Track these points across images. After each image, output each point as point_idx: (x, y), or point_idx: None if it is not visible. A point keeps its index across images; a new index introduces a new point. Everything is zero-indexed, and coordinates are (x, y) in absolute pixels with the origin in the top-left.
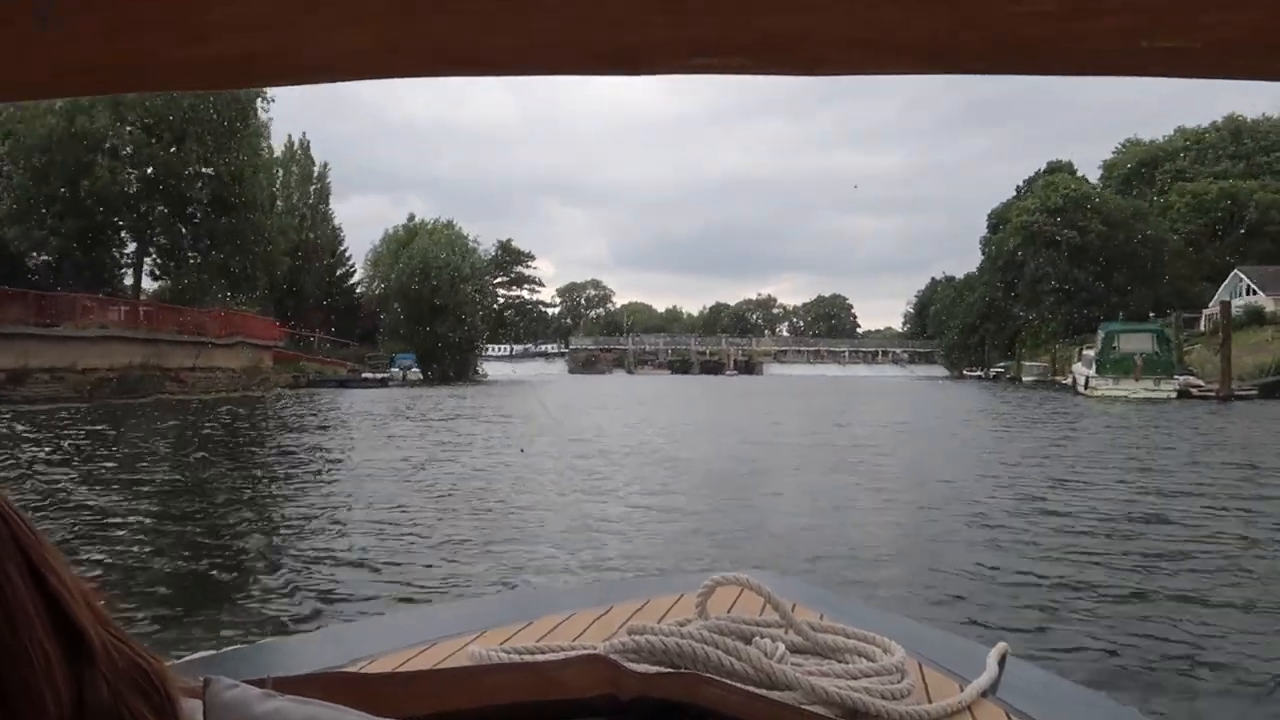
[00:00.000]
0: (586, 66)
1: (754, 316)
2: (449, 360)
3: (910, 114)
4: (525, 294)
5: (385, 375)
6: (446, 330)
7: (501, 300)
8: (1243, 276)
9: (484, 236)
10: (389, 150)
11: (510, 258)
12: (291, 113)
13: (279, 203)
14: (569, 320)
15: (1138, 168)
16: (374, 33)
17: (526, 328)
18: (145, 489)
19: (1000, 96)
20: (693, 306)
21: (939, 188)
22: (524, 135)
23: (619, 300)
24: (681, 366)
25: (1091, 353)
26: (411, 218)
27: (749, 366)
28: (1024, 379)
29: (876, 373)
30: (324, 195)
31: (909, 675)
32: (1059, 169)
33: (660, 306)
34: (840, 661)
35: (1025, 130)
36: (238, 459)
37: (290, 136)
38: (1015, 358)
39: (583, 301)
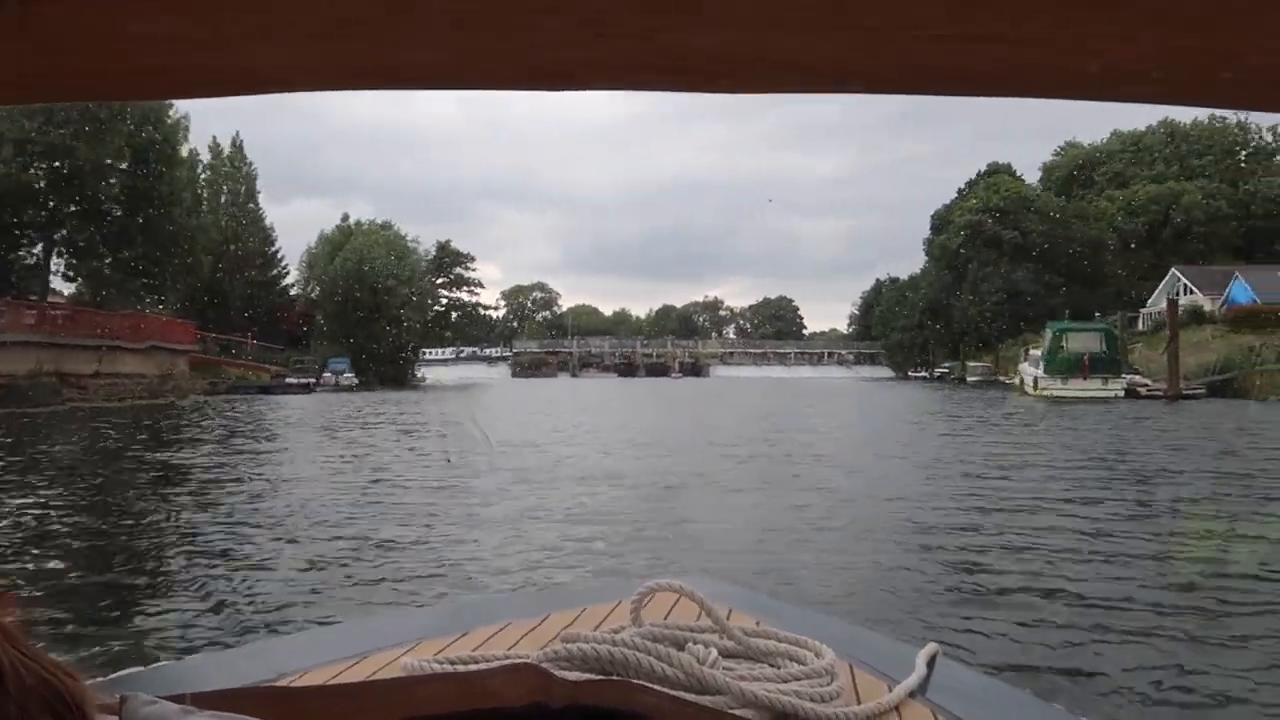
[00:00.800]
0: (515, 82)
1: (701, 319)
2: (385, 364)
3: (854, 116)
4: (465, 296)
5: (310, 380)
6: (382, 333)
7: (444, 303)
8: (1180, 276)
9: (430, 240)
10: (332, 153)
11: (450, 259)
12: (228, 112)
13: (204, 204)
14: (515, 323)
15: (1076, 170)
16: (302, 47)
17: (468, 331)
18: None
19: (942, 98)
20: (641, 309)
21: (884, 189)
22: (470, 139)
23: (566, 303)
24: (627, 369)
25: (1038, 352)
26: (346, 218)
27: (695, 369)
28: (968, 379)
29: (822, 374)
30: (252, 195)
31: (839, 677)
32: (999, 170)
33: (608, 310)
34: (772, 665)
35: (968, 131)
36: (83, 481)
37: (214, 138)
38: (960, 358)
39: (529, 304)
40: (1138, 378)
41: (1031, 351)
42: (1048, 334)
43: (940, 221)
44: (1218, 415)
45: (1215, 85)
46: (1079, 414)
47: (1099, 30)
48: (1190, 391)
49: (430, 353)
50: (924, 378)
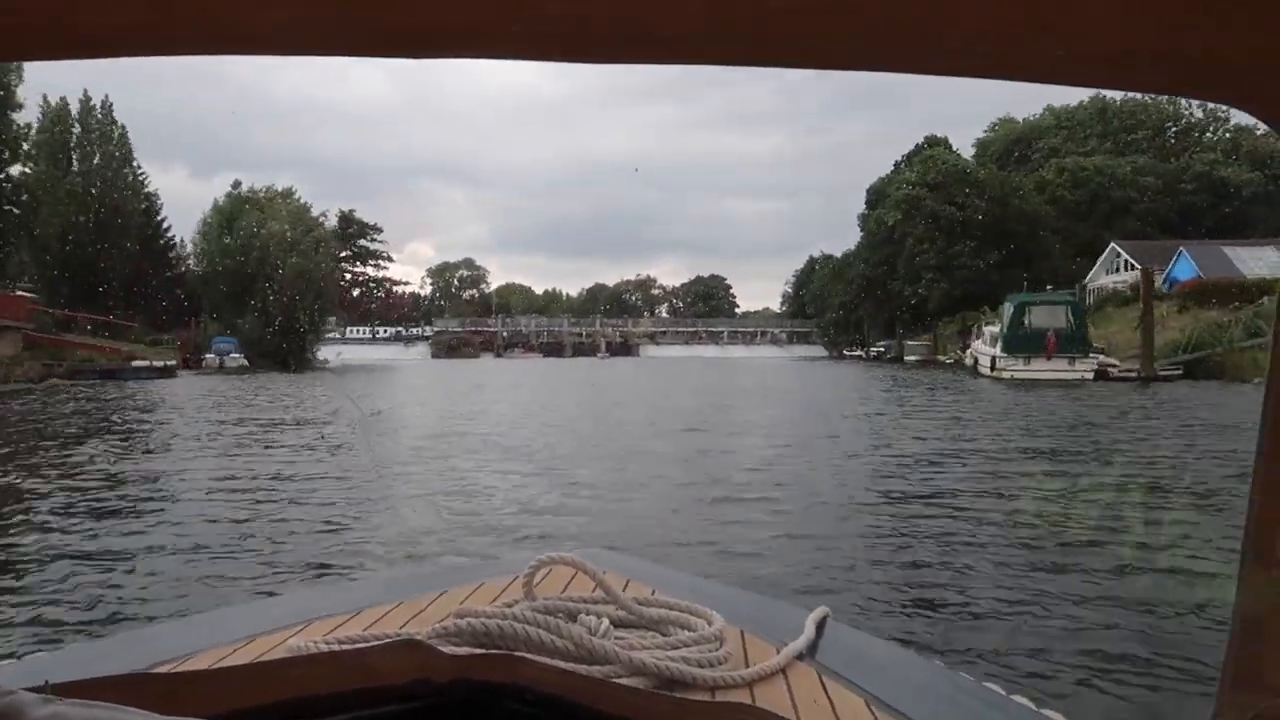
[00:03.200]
0: (364, 47)
1: (633, 297)
2: (278, 344)
3: (789, 99)
4: (371, 270)
5: (169, 362)
6: (276, 309)
7: (348, 277)
8: (1120, 251)
9: (358, 216)
10: (263, 130)
11: (354, 229)
12: (150, 87)
13: (75, 165)
14: (443, 302)
15: (1011, 145)
16: (145, 7)
17: (391, 309)
18: None
19: (877, 82)
20: (574, 289)
21: (817, 172)
22: (405, 117)
23: (500, 282)
24: (553, 349)
25: (994, 329)
26: (236, 184)
27: (625, 348)
28: (906, 359)
29: (755, 353)
30: (127, 160)
31: (728, 643)
32: (937, 143)
33: (542, 289)
34: (663, 634)
35: (901, 116)
36: None
37: (64, 98)
38: (896, 337)
39: (455, 282)
40: (1103, 357)
41: (985, 328)
42: (1007, 308)
43: (876, 196)
44: (1220, 401)
45: (1051, 62)
46: (1058, 401)
47: (938, 5)
48: (1165, 372)
49: (353, 331)
50: (859, 357)
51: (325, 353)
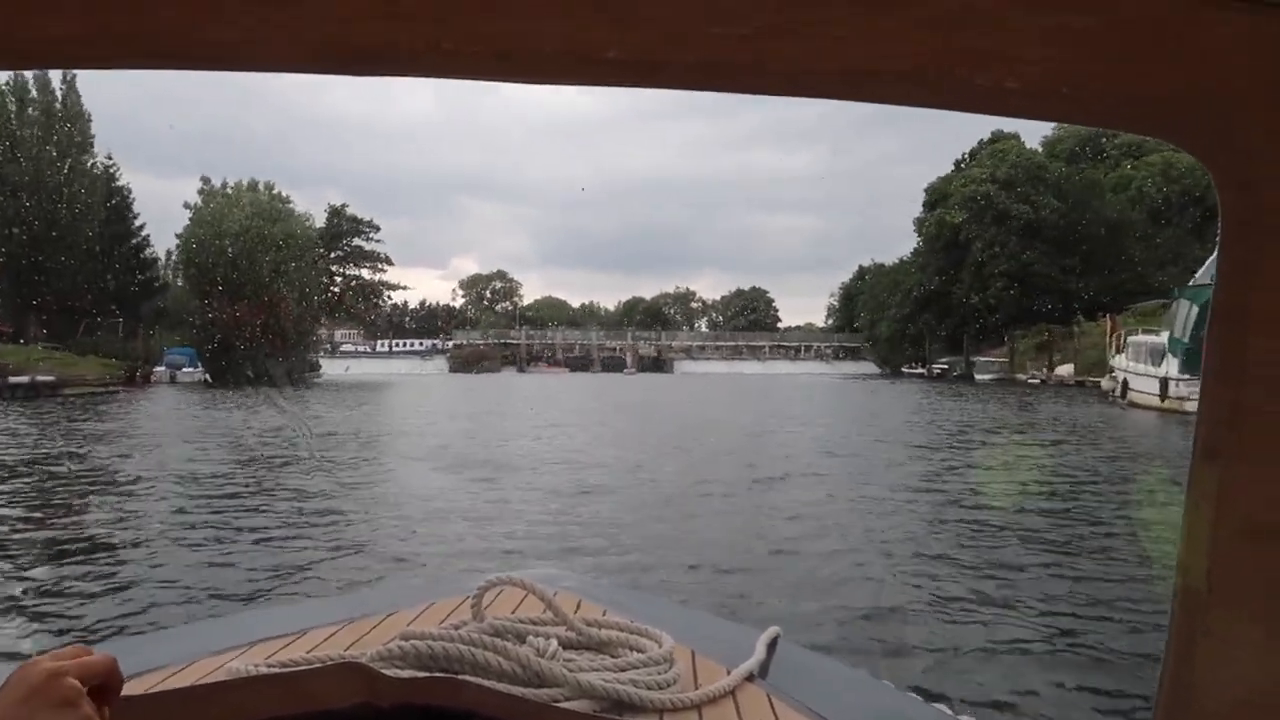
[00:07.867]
0: (307, 64)
1: (672, 311)
2: (250, 356)
3: (830, 115)
4: (366, 274)
5: (48, 378)
6: (250, 316)
7: (339, 281)
8: None
9: (403, 232)
10: (307, 146)
11: (346, 227)
12: (207, 108)
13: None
14: (474, 314)
15: (1083, 142)
16: (82, 19)
17: (365, 314)
18: None
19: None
20: (612, 303)
21: (858, 186)
22: (448, 134)
23: (539, 295)
24: (580, 363)
25: (1156, 339)
26: (206, 181)
27: (659, 363)
28: (979, 377)
29: (799, 370)
30: (86, 148)
31: (677, 664)
32: (1005, 137)
33: (579, 303)
34: (612, 655)
35: (942, 131)
36: None
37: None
38: (963, 352)
39: (488, 294)
40: None
41: (1137, 337)
42: (1184, 307)
43: (936, 196)
44: None
45: (982, 93)
46: None
47: (873, 28)
48: None
49: (382, 346)
50: (920, 375)
51: (334, 366)
